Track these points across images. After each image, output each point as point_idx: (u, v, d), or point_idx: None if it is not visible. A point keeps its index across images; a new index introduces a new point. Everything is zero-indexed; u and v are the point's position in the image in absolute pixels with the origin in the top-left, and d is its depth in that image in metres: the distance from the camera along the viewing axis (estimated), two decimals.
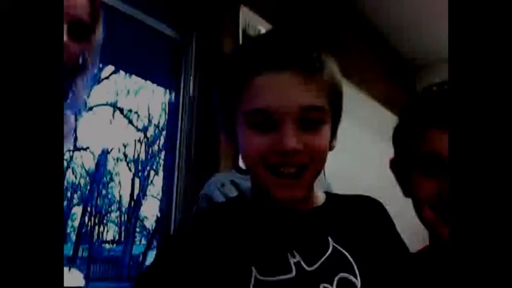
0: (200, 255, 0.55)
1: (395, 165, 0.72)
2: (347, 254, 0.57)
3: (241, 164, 1.16)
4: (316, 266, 0.55)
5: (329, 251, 0.56)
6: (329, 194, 0.67)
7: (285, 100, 0.53)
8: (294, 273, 0.53)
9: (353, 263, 0.56)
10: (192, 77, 1.85)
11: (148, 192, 18.12)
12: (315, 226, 0.60)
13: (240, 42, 1.84)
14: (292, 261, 0.54)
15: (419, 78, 3.62)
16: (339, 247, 0.57)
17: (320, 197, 0.64)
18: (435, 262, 0.64)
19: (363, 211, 0.65)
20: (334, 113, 0.58)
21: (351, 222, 0.62)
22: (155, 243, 15.49)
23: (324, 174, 1.33)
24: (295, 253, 0.55)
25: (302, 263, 0.54)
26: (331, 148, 0.59)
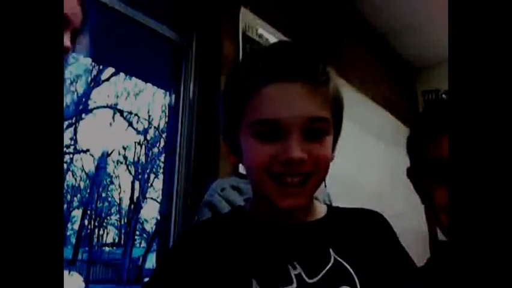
0: (199, 267, 0.56)
1: (411, 174, 0.73)
2: (348, 266, 0.57)
3: (241, 169, 1.17)
4: (317, 278, 0.54)
5: (330, 264, 0.56)
6: (330, 207, 0.67)
7: (294, 111, 0.54)
8: (295, 285, 0.53)
9: (355, 276, 0.56)
10: (192, 80, 1.85)
11: (147, 195, 18.12)
12: (316, 238, 0.60)
13: (240, 44, 1.84)
14: (293, 273, 0.54)
15: (420, 80, 3.63)
16: (340, 260, 0.57)
17: (321, 210, 0.65)
18: (440, 275, 0.64)
19: (365, 224, 0.65)
20: (336, 125, 0.60)
21: (352, 235, 0.62)
22: (155, 246, 15.48)
23: (325, 185, 1.34)
24: (297, 265, 0.55)
25: (303, 275, 0.54)
26: (331, 159, 0.59)
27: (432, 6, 2.69)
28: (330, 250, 0.58)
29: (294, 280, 0.54)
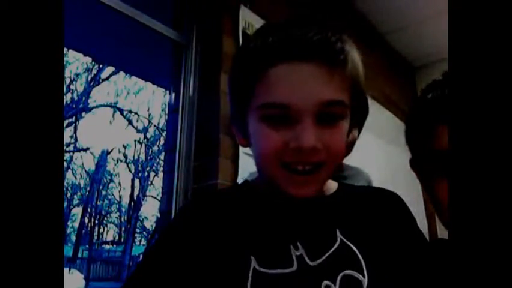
0: (199, 240, 0.54)
1: (414, 165, 0.71)
2: (355, 249, 0.53)
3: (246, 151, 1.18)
4: (319, 261, 0.52)
5: (336, 245, 0.53)
6: (341, 184, 0.63)
7: (306, 95, 0.49)
8: (295, 267, 0.50)
9: (361, 259, 0.52)
10: (191, 78, 1.85)
11: (147, 193, 18.18)
12: (322, 216, 0.57)
13: (240, 42, 1.84)
14: (294, 254, 0.51)
15: (419, 79, 3.63)
16: (347, 241, 0.54)
17: (332, 186, 0.61)
18: (439, 273, 0.63)
19: (377, 204, 0.61)
20: (354, 107, 0.54)
21: (362, 214, 0.58)
22: None
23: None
24: (299, 245, 0.52)
25: (305, 256, 0.51)
26: (353, 140, 0.56)
27: (433, 4, 2.69)
28: (337, 230, 0.55)
29: (295, 262, 0.51)
